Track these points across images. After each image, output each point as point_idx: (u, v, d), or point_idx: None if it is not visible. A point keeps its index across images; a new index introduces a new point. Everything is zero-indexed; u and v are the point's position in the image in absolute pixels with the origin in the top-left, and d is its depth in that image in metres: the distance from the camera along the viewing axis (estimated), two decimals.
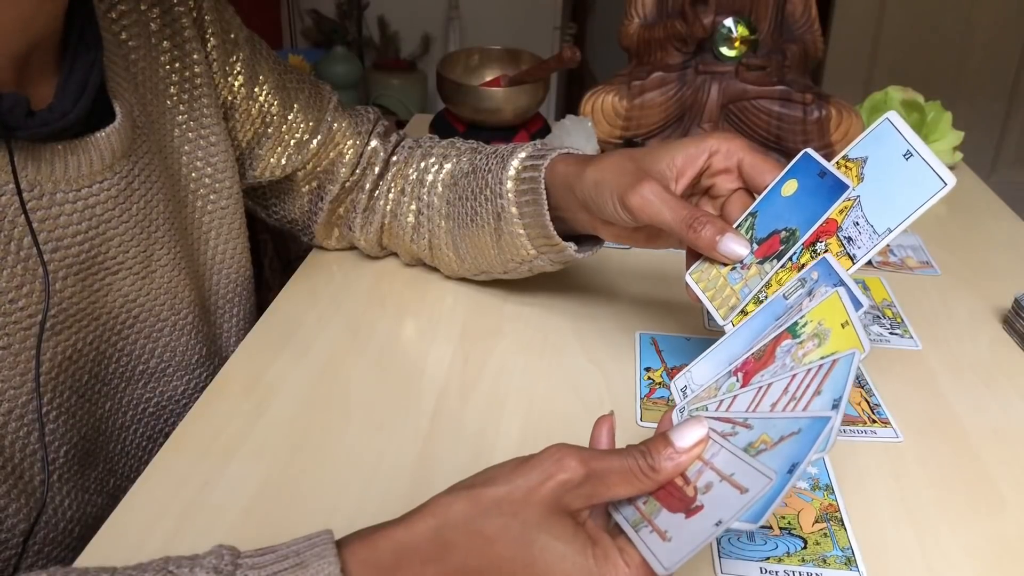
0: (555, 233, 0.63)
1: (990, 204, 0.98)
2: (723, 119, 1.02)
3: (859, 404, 0.62)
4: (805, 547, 0.50)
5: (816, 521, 0.52)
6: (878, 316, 0.74)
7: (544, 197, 0.62)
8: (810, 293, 0.49)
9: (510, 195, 0.64)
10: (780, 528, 0.51)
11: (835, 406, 0.39)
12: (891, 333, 0.71)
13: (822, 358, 0.43)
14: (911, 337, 0.71)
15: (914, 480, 0.55)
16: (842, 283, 0.48)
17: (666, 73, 1.00)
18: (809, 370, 0.43)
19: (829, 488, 0.54)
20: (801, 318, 0.47)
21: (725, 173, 0.57)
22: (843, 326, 0.45)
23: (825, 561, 0.49)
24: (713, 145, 0.57)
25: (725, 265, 0.55)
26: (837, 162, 0.53)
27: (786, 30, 1.02)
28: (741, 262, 0.54)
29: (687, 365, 0.53)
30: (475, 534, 0.37)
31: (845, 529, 0.51)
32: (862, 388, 0.64)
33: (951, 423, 0.61)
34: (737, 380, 0.48)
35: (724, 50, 0.99)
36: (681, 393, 0.52)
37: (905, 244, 0.87)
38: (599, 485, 0.39)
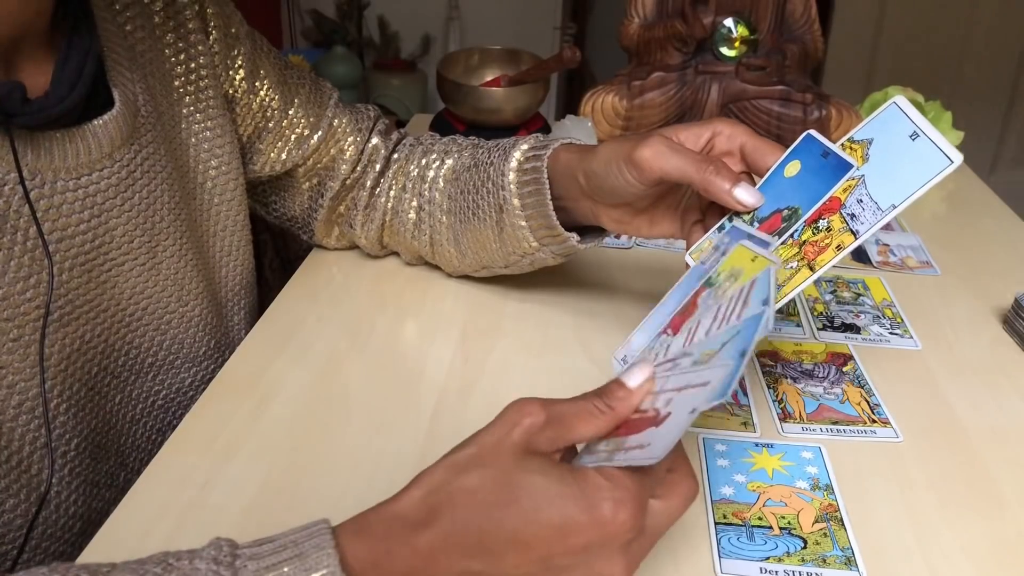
0: (558, 223, 0.63)
1: (990, 204, 0.98)
2: None
3: (859, 404, 0.62)
4: (805, 547, 0.50)
5: (816, 521, 0.52)
6: (878, 316, 0.74)
7: (547, 187, 0.62)
8: (724, 254, 0.50)
9: (512, 187, 0.64)
10: (780, 528, 0.51)
11: (765, 303, 0.40)
12: (891, 333, 0.71)
13: (741, 286, 0.45)
14: (911, 337, 0.71)
15: (914, 480, 0.55)
16: (750, 237, 0.50)
17: (666, 73, 1.00)
18: (732, 297, 0.44)
19: (829, 488, 0.54)
20: (714, 272, 0.49)
21: (728, 156, 0.57)
22: (753, 260, 0.47)
23: (825, 561, 0.49)
24: (716, 127, 0.57)
25: None
26: (842, 144, 0.53)
27: (786, 30, 1.02)
28: None
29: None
30: (457, 490, 0.38)
31: (845, 529, 0.51)
32: (862, 388, 0.64)
33: (951, 423, 0.61)
34: (668, 335, 0.49)
35: (724, 50, 0.99)
36: (621, 363, 0.53)
37: (905, 244, 0.87)
38: (560, 427, 0.40)
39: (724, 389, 0.37)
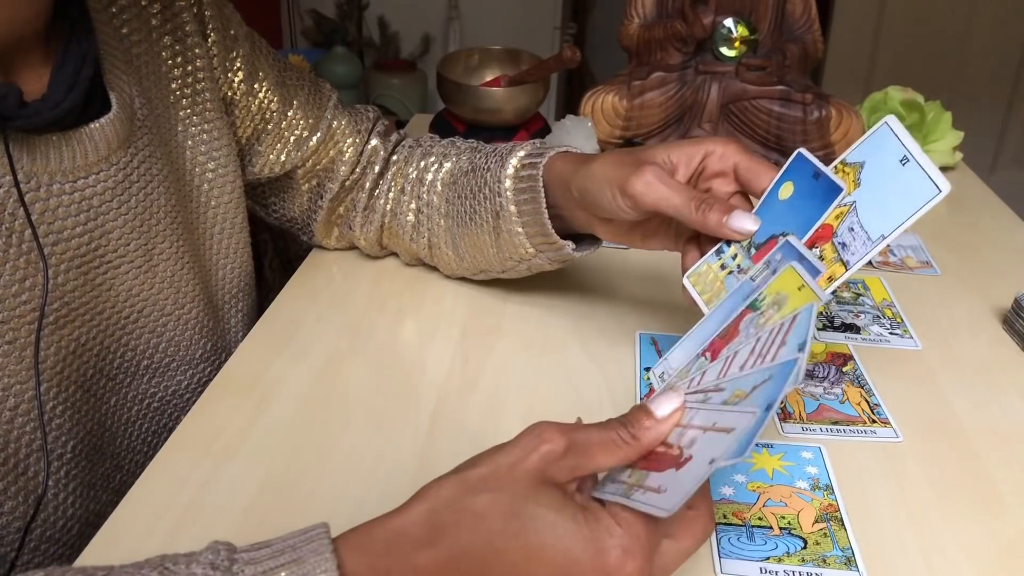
0: (553, 231, 0.63)
1: (990, 204, 0.98)
2: (723, 119, 1.02)
3: (859, 404, 0.62)
4: (805, 547, 0.50)
5: (816, 521, 0.52)
6: (878, 316, 0.74)
7: (542, 195, 0.62)
8: (774, 272, 0.50)
9: (508, 193, 0.64)
10: (780, 528, 0.51)
11: (800, 348, 0.40)
12: (891, 333, 0.71)
13: (782, 318, 0.44)
14: (911, 337, 0.71)
15: (914, 480, 0.55)
16: (802, 258, 0.49)
17: (666, 73, 1.00)
18: (771, 330, 0.44)
19: (829, 488, 0.54)
20: (760, 294, 0.48)
21: (721, 176, 0.57)
22: (799, 289, 0.46)
23: (825, 561, 0.49)
24: (709, 147, 0.57)
25: (723, 268, 0.55)
26: (835, 167, 0.53)
27: (786, 30, 1.02)
28: (739, 267, 0.54)
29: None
30: (464, 512, 0.38)
31: (845, 529, 0.51)
32: (862, 388, 0.64)
33: (951, 423, 0.61)
34: (706, 359, 0.49)
35: (724, 50, 0.99)
36: (660, 380, 0.53)
37: (905, 244, 0.87)
38: (581, 456, 0.40)
39: (743, 448, 0.36)
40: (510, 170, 0.65)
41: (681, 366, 0.52)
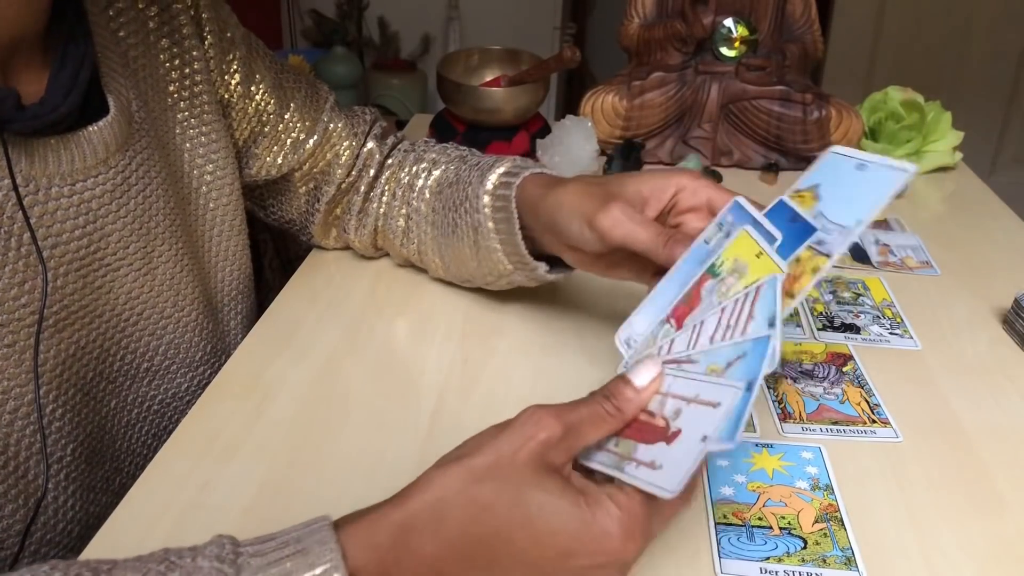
0: (526, 252, 0.62)
1: (990, 204, 0.98)
2: (723, 119, 1.02)
3: (859, 404, 0.62)
4: (805, 547, 0.50)
5: (816, 521, 0.52)
6: (878, 316, 0.74)
7: (515, 216, 0.61)
8: (727, 235, 0.50)
9: (486, 210, 0.64)
10: (780, 528, 0.51)
11: (771, 324, 0.41)
12: (891, 333, 0.71)
13: (745, 287, 0.45)
14: (911, 337, 0.71)
15: (914, 480, 0.55)
16: (754, 221, 0.49)
17: (666, 73, 1.00)
18: (736, 300, 0.45)
19: (829, 488, 0.54)
20: (717, 259, 0.49)
21: (693, 212, 0.56)
22: (757, 256, 0.47)
23: (825, 561, 0.49)
24: (680, 181, 0.56)
25: None
26: (789, 195, 0.52)
27: (786, 30, 1.02)
28: None
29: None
30: (470, 503, 0.38)
31: (845, 529, 0.51)
32: (862, 388, 0.64)
33: (951, 423, 0.61)
34: (671, 326, 0.49)
35: (724, 50, 0.99)
36: (625, 345, 0.52)
37: (905, 244, 0.87)
38: (574, 436, 0.41)
39: (732, 431, 0.37)
40: (488, 186, 0.64)
41: (646, 331, 0.52)
